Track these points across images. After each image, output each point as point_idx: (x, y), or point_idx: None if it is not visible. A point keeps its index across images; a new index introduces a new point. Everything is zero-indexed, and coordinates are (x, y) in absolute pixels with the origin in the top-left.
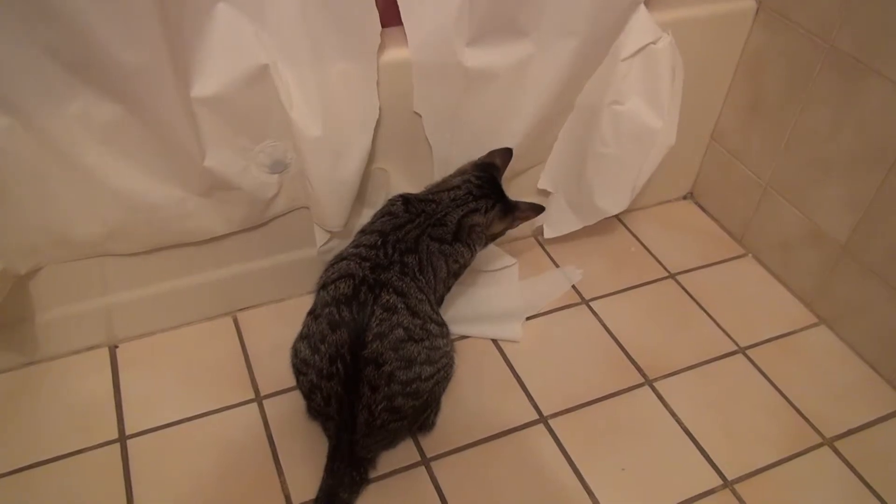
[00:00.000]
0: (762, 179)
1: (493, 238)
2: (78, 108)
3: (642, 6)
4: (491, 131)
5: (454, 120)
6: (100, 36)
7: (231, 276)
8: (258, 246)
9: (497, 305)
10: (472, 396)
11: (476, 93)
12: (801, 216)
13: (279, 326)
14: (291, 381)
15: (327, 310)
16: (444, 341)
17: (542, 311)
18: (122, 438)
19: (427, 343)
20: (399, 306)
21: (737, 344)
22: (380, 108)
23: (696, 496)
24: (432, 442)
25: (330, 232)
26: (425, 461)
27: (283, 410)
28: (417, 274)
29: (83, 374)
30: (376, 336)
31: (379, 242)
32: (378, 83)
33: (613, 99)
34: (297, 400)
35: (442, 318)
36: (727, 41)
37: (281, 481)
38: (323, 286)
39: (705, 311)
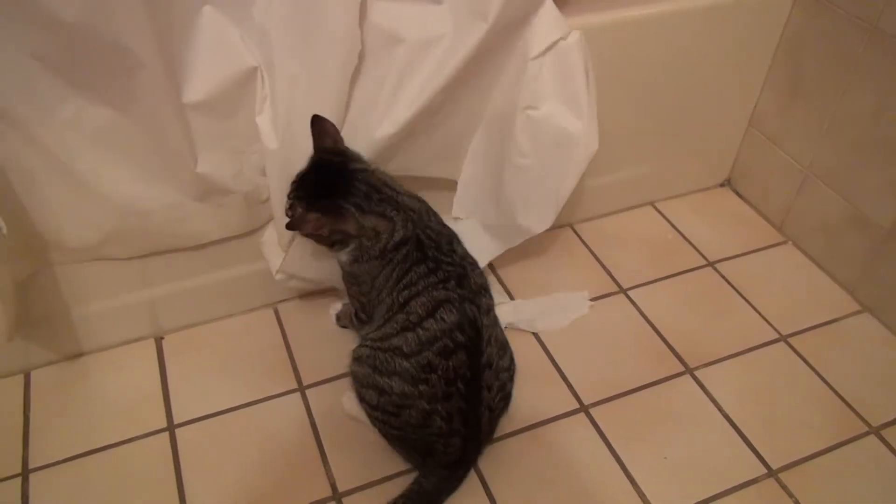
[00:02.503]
0: (802, 165)
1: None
2: (69, 114)
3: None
4: (373, 109)
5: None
6: (88, 40)
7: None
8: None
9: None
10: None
11: (373, 58)
12: (843, 202)
13: (319, 318)
14: (333, 372)
15: (437, 344)
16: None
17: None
18: (171, 427)
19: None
20: (491, 302)
21: (778, 332)
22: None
23: (739, 485)
24: None
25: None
26: None
27: (326, 400)
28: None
29: (131, 364)
30: (487, 341)
31: (431, 266)
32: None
33: (527, 103)
34: (339, 390)
35: None
36: (766, 24)
37: (326, 470)
38: (411, 328)
39: (745, 300)
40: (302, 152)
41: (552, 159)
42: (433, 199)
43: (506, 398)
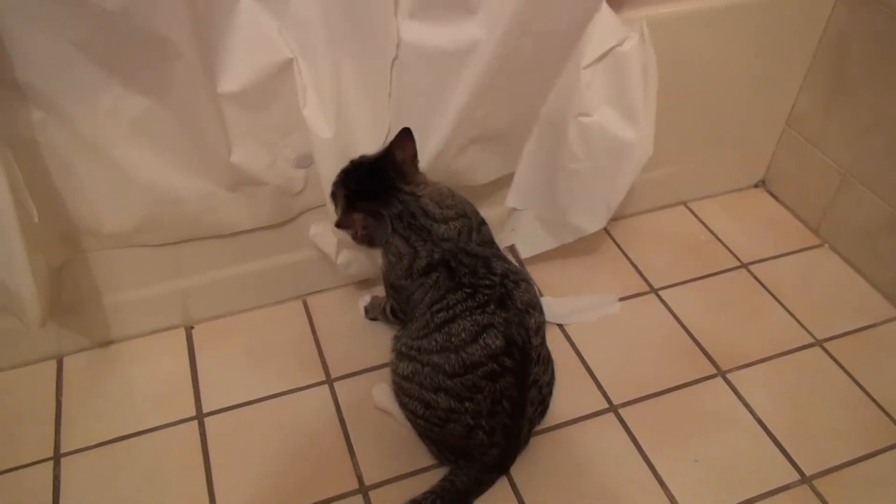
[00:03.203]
0: (841, 166)
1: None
2: (108, 103)
3: (604, 5)
4: (420, 114)
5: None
6: (128, 29)
7: (301, 261)
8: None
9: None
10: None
11: (408, 69)
12: (883, 204)
13: (348, 311)
14: (361, 365)
15: (483, 369)
16: None
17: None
18: (200, 416)
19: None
20: (540, 319)
21: (813, 336)
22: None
23: (772, 490)
24: None
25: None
26: None
27: (354, 393)
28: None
29: (161, 353)
30: (535, 360)
31: (467, 291)
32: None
33: (579, 111)
34: (367, 383)
35: None
36: (807, 22)
37: (353, 462)
38: (455, 350)
39: (780, 302)
40: (355, 140)
41: (604, 165)
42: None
43: (544, 410)
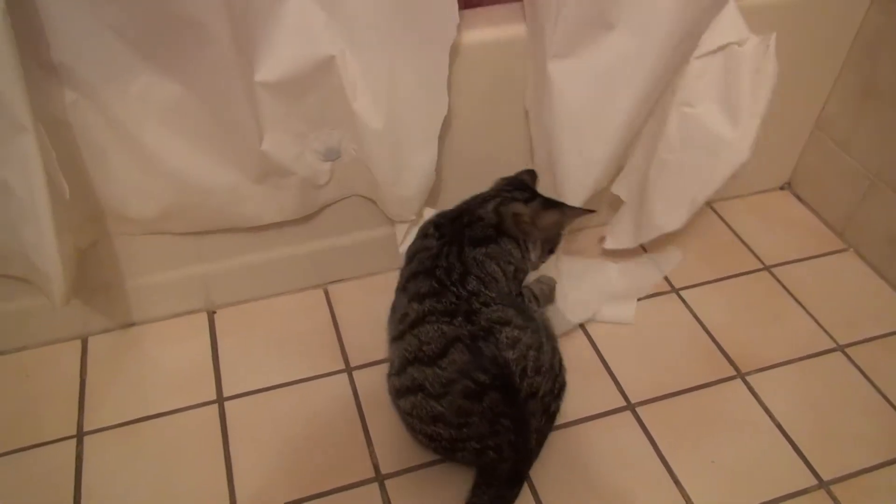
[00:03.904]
0: (870, 171)
1: (549, 241)
2: (140, 87)
3: (731, 1)
4: (577, 142)
5: (545, 124)
6: (166, 13)
7: (323, 249)
8: (350, 220)
9: (605, 289)
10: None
11: (560, 97)
12: None
13: (368, 301)
14: (381, 355)
15: (458, 386)
16: (541, 324)
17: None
18: (220, 400)
19: (546, 344)
20: (515, 334)
21: (835, 341)
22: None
23: (788, 494)
24: None
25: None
26: None
27: (373, 382)
28: (488, 292)
29: (184, 336)
30: (521, 374)
31: (436, 285)
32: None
33: (684, 100)
34: (385, 373)
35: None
36: (840, 23)
37: (370, 451)
38: (423, 361)
39: (802, 306)
40: (408, 131)
41: (696, 160)
42: None
43: (550, 419)
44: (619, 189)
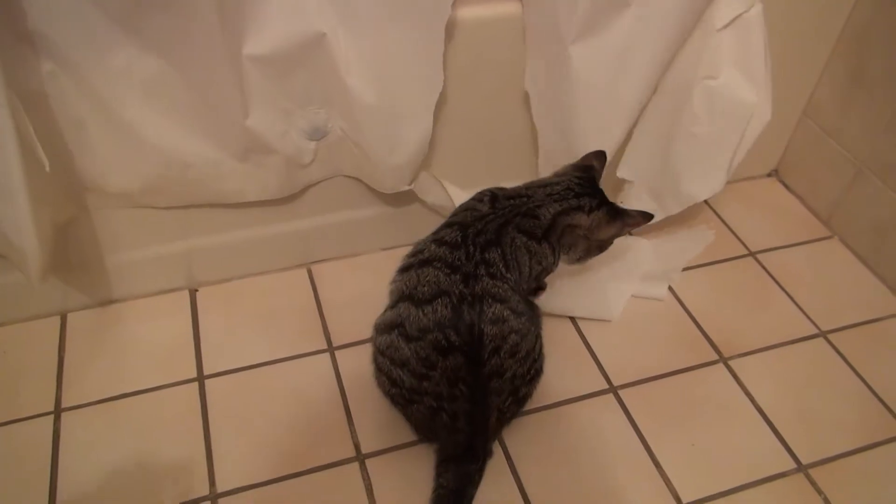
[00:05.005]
0: (857, 159)
1: (599, 247)
2: (121, 62)
3: None
4: (598, 121)
5: (562, 106)
6: None
7: (307, 228)
8: (334, 200)
9: (640, 266)
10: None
11: (579, 78)
12: None
13: (352, 280)
14: (363, 335)
15: (431, 336)
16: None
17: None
18: (201, 378)
19: (532, 332)
20: (505, 314)
21: (818, 327)
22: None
23: (767, 477)
24: None
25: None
26: None
27: (355, 362)
28: (504, 272)
29: (165, 313)
30: (493, 352)
31: (459, 238)
32: (444, 54)
33: (707, 73)
34: (368, 353)
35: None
36: (830, 9)
37: (351, 431)
38: (413, 300)
39: (786, 292)
40: (402, 106)
41: (725, 128)
42: None
43: (518, 402)
44: (625, 172)
